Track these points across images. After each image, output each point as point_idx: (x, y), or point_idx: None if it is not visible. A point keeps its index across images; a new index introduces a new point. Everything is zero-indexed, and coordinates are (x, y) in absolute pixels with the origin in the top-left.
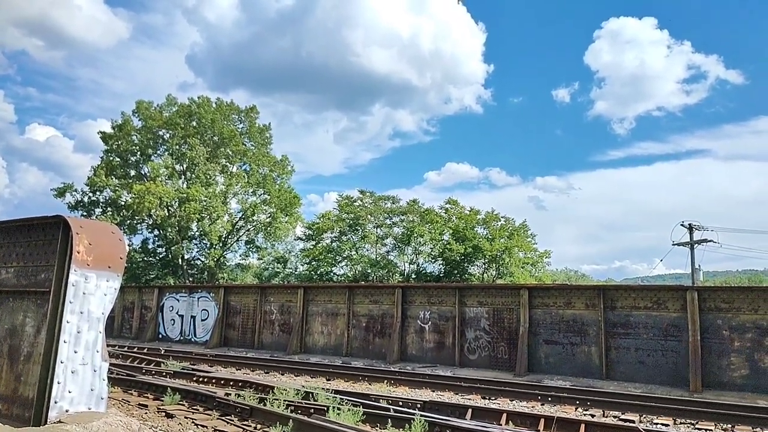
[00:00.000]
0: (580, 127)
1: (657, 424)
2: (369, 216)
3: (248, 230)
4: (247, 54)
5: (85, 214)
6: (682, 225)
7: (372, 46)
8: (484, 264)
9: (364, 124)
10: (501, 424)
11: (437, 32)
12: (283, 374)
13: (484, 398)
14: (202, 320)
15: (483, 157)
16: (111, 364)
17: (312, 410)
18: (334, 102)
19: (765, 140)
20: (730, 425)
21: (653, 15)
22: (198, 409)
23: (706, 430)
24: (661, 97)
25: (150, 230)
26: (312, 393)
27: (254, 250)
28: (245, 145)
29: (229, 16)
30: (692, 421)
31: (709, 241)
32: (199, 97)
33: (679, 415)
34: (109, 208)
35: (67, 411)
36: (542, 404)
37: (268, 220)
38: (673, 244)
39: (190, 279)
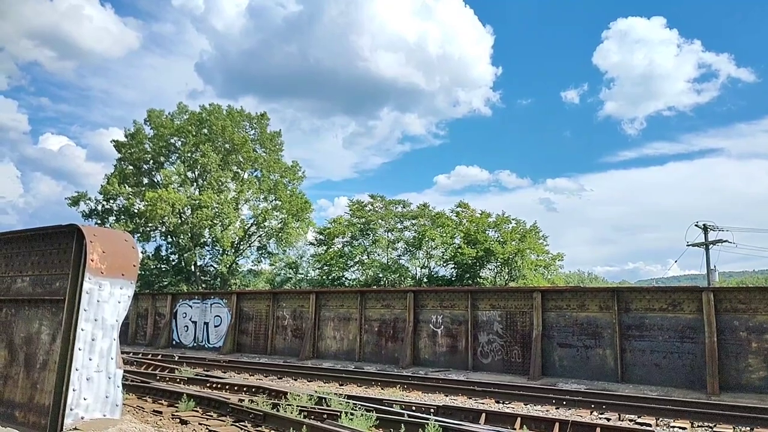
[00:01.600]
0: (590, 128)
1: (674, 427)
2: (380, 220)
3: (260, 236)
4: (255, 61)
5: (98, 222)
6: (696, 225)
7: (379, 51)
8: (496, 267)
9: (372, 128)
10: (515, 429)
11: (444, 36)
12: (296, 379)
13: (497, 402)
14: (215, 326)
15: (493, 159)
16: (125, 371)
17: (325, 416)
18: (342, 107)
19: None
20: (748, 428)
21: (662, 14)
22: (212, 416)
23: None
24: (672, 97)
25: (163, 237)
26: (325, 398)
27: (266, 255)
28: (256, 151)
29: (237, 24)
30: (710, 424)
31: (725, 241)
32: (210, 105)
33: (697, 418)
34: (122, 216)
35: (82, 418)
36: (557, 408)
37: (279, 225)
38: (688, 245)
39: (203, 285)
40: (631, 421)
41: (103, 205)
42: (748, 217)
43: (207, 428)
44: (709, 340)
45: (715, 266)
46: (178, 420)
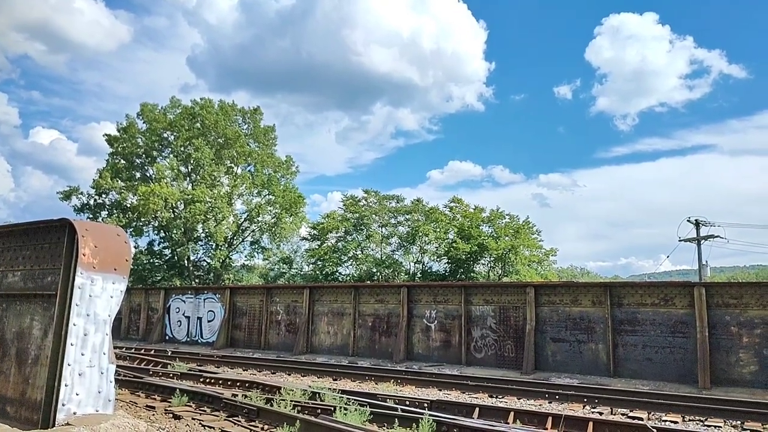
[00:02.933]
0: (583, 124)
1: (666, 421)
2: (374, 215)
3: (253, 231)
4: (248, 55)
5: (91, 216)
6: (688, 221)
7: (372, 46)
8: (489, 262)
9: (365, 123)
10: (508, 423)
11: (438, 31)
12: (289, 374)
13: (491, 397)
14: (209, 321)
15: (486, 154)
16: (118, 366)
17: (319, 410)
18: (335, 102)
19: None
20: (739, 422)
21: (654, 10)
22: (205, 410)
23: (715, 426)
24: (663, 93)
25: (156, 232)
26: (319, 393)
27: (259, 250)
28: (250, 146)
29: (229, 17)
30: (701, 418)
31: (716, 236)
32: (201, 99)
33: (688, 412)
34: (114, 211)
35: (74, 413)
36: (550, 402)
37: (273, 220)
38: (680, 240)
39: (196, 280)
40: (623, 415)
41: (95, 200)
42: (739, 212)
43: (200, 423)
44: (700, 334)
45: (706, 261)
46: (171, 415)
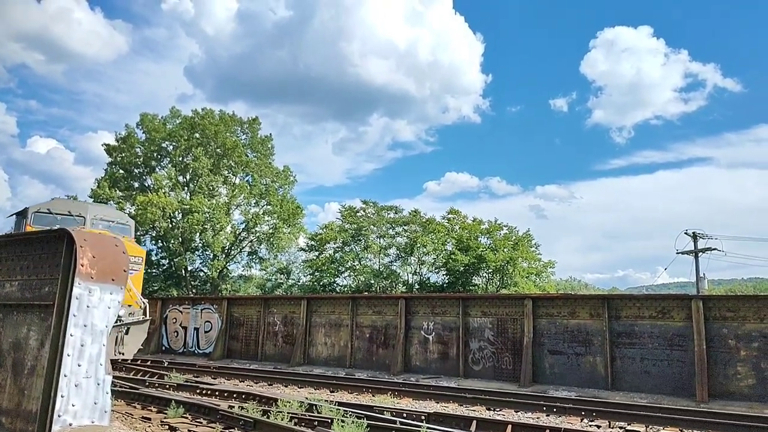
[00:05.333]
0: (579, 136)
1: None
2: (372, 226)
3: (251, 241)
4: (245, 66)
5: None
6: (686, 233)
7: (369, 57)
8: (488, 274)
9: (362, 134)
10: None
11: (435, 43)
12: (286, 386)
13: (488, 409)
14: (206, 332)
15: (482, 166)
16: (114, 377)
17: (316, 422)
18: (332, 113)
19: (766, 148)
20: None
21: (648, 24)
22: (201, 422)
23: None
24: (659, 106)
25: (153, 242)
26: (316, 405)
27: (257, 261)
28: (248, 156)
29: (227, 28)
30: None
31: (714, 249)
32: (202, 109)
33: (686, 426)
34: None
35: (70, 425)
36: (547, 415)
37: (270, 230)
38: (677, 253)
39: (194, 290)
40: (621, 428)
41: None
42: (737, 225)
43: None
44: (698, 347)
45: (704, 274)
46: (167, 426)
